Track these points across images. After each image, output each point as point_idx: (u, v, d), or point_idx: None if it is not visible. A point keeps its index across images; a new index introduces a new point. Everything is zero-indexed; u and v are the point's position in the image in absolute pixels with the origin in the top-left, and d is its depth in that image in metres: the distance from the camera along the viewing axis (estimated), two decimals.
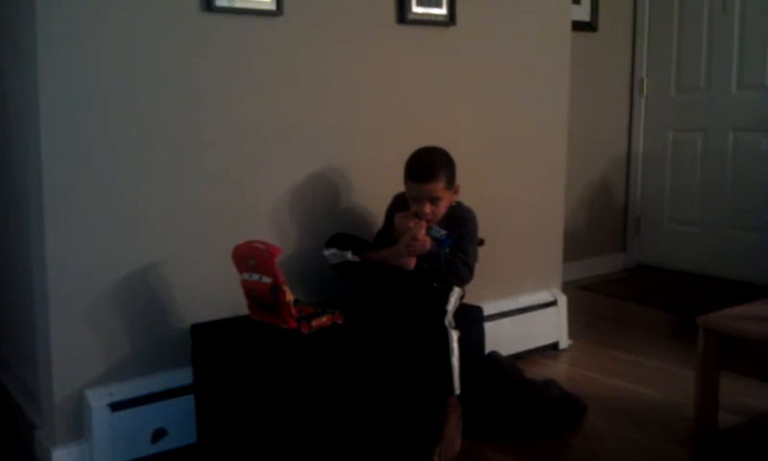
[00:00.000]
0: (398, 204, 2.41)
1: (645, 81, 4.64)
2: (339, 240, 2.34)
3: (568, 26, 3.18)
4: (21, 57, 2.09)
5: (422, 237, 2.24)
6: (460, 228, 2.36)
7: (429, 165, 2.29)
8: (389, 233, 2.37)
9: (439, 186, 2.27)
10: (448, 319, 2.21)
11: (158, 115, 2.15)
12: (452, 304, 2.27)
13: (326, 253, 2.33)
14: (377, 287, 2.31)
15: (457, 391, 2.17)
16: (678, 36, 4.48)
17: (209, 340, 2.13)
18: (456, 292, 2.32)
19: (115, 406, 2.10)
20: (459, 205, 2.40)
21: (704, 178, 4.42)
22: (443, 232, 2.35)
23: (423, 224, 2.26)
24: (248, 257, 2.08)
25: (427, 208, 2.28)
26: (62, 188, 2.01)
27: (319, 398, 2.00)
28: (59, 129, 1.99)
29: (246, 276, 2.11)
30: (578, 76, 3.44)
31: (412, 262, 2.26)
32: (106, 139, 2.07)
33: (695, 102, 4.44)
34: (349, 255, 2.29)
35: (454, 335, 2.17)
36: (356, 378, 2.08)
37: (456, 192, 2.36)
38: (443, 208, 2.32)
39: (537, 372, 2.79)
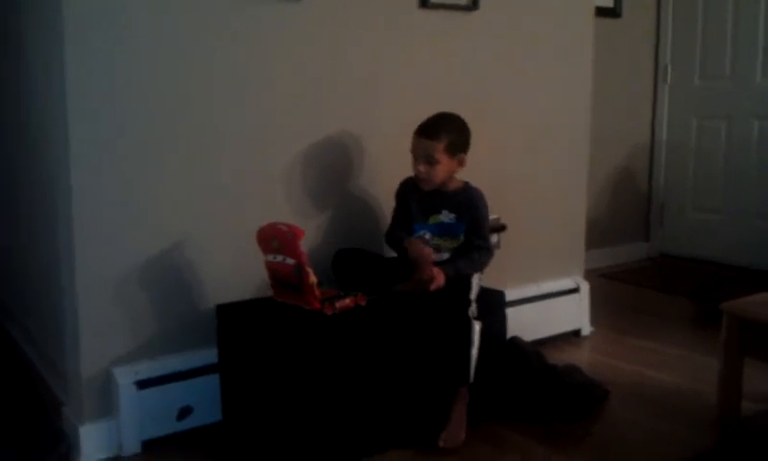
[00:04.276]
0: (406, 187, 2.41)
1: (669, 68, 4.59)
2: (344, 273, 2.32)
3: (592, 11, 3.16)
4: (45, 50, 2.12)
5: (437, 282, 2.19)
6: (471, 212, 2.34)
7: (434, 123, 2.28)
8: (404, 215, 2.38)
9: (438, 147, 2.25)
10: (472, 309, 2.21)
11: (181, 100, 2.17)
12: (475, 291, 2.26)
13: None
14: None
15: (471, 381, 2.17)
16: (702, 23, 4.44)
17: (234, 320, 2.15)
18: (476, 276, 2.32)
19: (142, 384, 2.13)
20: (467, 186, 2.38)
21: (727, 166, 4.38)
22: (452, 216, 2.34)
23: (441, 277, 2.20)
24: (271, 239, 2.10)
25: (422, 168, 2.27)
26: (90, 171, 2.04)
27: (340, 378, 2.02)
28: (85, 115, 2.01)
29: (270, 257, 2.13)
30: (601, 62, 3.42)
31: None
32: (131, 124, 2.09)
33: (719, 90, 4.39)
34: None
35: (476, 327, 2.16)
36: (377, 361, 2.09)
37: (460, 164, 2.32)
38: (440, 173, 2.29)
39: (559, 358, 2.78)
